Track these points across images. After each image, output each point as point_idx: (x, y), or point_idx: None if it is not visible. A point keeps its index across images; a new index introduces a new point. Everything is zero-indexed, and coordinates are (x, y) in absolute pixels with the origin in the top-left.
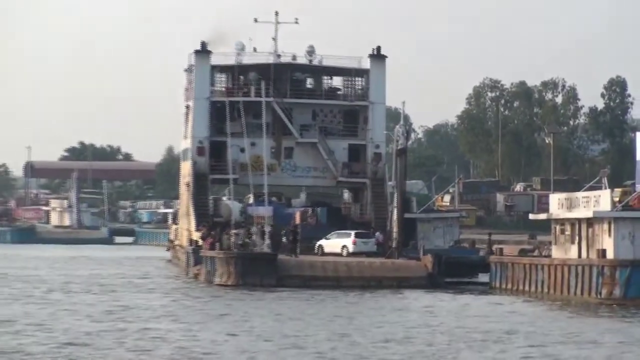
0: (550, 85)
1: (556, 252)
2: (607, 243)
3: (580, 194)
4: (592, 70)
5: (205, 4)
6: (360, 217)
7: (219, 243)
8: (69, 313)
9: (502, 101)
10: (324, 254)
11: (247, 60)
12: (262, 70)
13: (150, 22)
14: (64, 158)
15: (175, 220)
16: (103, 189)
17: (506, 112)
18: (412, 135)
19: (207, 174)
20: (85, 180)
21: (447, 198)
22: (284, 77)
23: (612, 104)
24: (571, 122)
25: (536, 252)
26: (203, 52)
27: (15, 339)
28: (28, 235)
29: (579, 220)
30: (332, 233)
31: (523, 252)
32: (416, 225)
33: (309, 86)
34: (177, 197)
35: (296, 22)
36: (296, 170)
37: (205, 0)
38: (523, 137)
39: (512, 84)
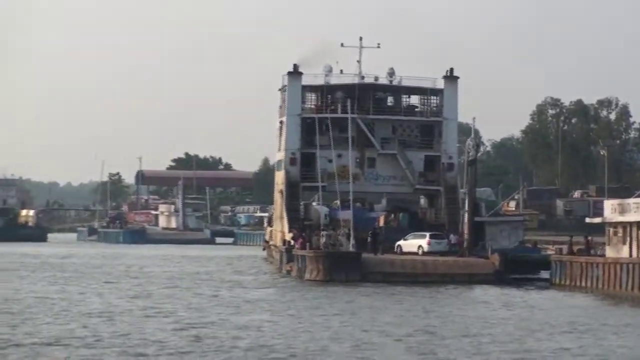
0: (606, 103)
1: (609, 252)
2: None
3: (631, 200)
4: None
5: (299, 30)
6: (435, 221)
7: (309, 243)
8: (216, 304)
9: (562, 117)
10: (402, 253)
11: (334, 80)
12: (347, 89)
13: (245, 48)
14: (171, 167)
15: (270, 223)
16: (206, 195)
17: (565, 127)
18: (482, 148)
19: (298, 182)
20: (190, 187)
21: (512, 204)
22: (367, 96)
23: None
24: (623, 136)
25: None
26: (295, 73)
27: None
28: (139, 237)
29: (630, 223)
30: (409, 234)
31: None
32: (485, 227)
33: (389, 104)
34: (271, 202)
35: (378, 47)
36: (378, 179)
37: (299, 26)
38: (580, 150)
39: (570, 102)
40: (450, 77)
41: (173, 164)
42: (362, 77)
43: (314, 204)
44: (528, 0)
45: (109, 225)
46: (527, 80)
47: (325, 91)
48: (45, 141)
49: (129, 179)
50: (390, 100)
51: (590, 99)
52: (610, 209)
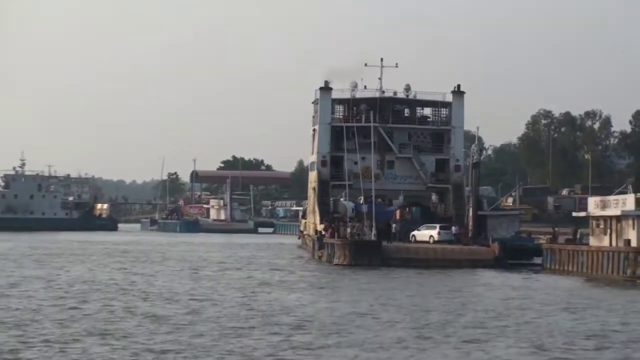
0: (591, 114)
1: (593, 241)
2: (632, 235)
3: (611, 198)
4: (624, 100)
5: (329, 53)
6: (445, 214)
7: (337, 233)
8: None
9: (553, 127)
10: (416, 241)
11: (359, 95)
12: (370, 102)
13: (279, 65)
14: (220, 168)
15: (304, 215)
16: (250, 192)
17: (555, 135)
18: (484, 152)
19: (328, 180)
20: (237, 185)
21: (510, 200)
22: (387, 107)
23: (637, 129)
24: (604, 143)
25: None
26: (326, 88)
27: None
28: (193, 227)
29: (610, 217)
30: (422, 226)
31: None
32: (486, 220)
33: (406, 115)
34: (306, 198)
35: (396, 66)
36: (396, 178)
37: (329, 49)
38: (568, 154)
39: (560, 113)
40: (458, 92)
41: (222, 165)
42: (383, 92)
43: (341, 199)
44: (526, 31)
45: (168, 217)
46: (523, 95)
47: (351, 104)
48: (114, 144)
49: (185, 177)
50: (406, 111)
51: (578, 111)
52: (593, 204)
